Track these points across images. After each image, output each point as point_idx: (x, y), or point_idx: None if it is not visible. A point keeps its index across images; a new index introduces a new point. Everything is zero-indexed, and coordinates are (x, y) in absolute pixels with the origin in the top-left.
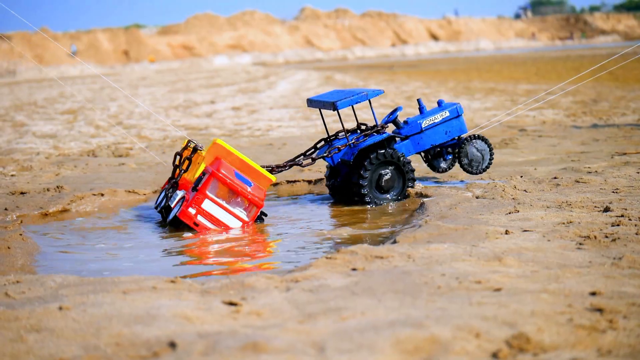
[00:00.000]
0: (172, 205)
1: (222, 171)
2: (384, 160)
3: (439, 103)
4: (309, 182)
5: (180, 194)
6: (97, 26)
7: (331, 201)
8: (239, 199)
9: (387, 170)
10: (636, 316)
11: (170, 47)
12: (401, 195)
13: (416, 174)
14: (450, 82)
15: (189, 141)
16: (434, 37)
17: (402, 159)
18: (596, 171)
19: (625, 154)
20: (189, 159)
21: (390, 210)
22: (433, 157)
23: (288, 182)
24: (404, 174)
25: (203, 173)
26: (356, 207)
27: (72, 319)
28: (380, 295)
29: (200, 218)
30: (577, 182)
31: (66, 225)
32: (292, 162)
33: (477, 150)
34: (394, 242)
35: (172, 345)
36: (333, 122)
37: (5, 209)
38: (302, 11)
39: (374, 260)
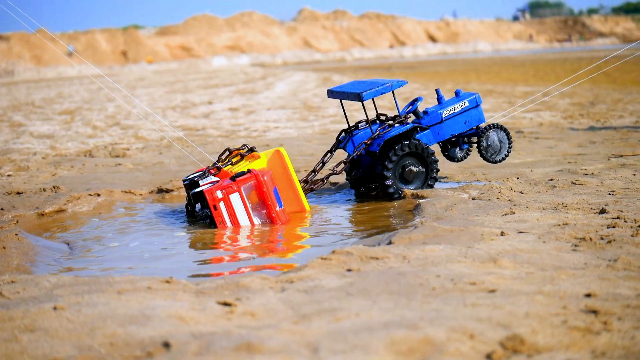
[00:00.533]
0: (201, 184)
1: (265, 178)
2: (409, 151)
3: (457, 93)
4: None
5: (213, 178)
6: (96, 27)
7: (329, 198)
8: (264, 212)
9: (411, 161)
10: (631, 318)
11: (168, 48)
12: (425, 185)
13: None
14: (449, 84)
15: (244, 145)
16: (432, 39)
17: (426, 149)
18: (592, 173)
19: (621, 156)
20: (242, 155)
21: (386, 211)
22: (451, 147)
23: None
24: (428, 165)
25: (248, 170)
26: (353, 207)
27: (66, 319)
28: (375, 296)
29: (221, 205)
30: (573, 184)
31: (62, 225)
32: (330, 173)
33: (498, 139)
34: (390, 243)
35: (166, 345)
36: (338, 114)
37: (1, 209)
38: (300, 12)
39: (369, 261)
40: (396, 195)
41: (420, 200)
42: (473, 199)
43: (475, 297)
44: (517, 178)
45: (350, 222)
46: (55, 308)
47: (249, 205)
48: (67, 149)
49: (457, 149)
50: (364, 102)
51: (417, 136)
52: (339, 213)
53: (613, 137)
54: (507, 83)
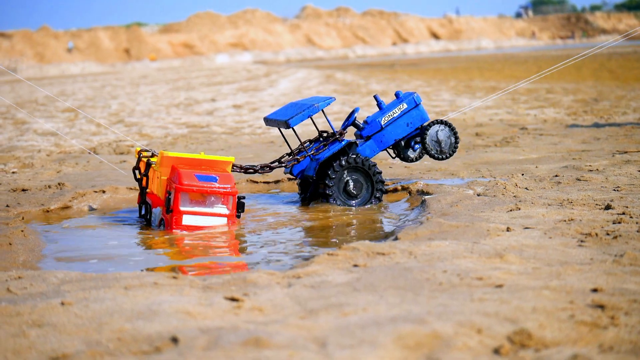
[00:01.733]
0: (155, 226)
1: (185, 182)
2: (349, 167)
3: (397, 95)
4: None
5: (157, 213)
6: (99, 24)
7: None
8: (213, 198)
9: (354, 176)
10: (637, 313)
11: (171, 45)
12: (373, 198)
13: (411, 171)
14: (452, 81)
15: (140, 151)
16: (435, 36)
17: (365, 161)
18: (597, 169)
19: (626, 152)
20: (146, 175)
21: (391, 208)
22: (402, 149)
23: (289, 179)
24: (372, 177)
25: (168, 192)
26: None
27: (74, 314)
28: (382, 291)
29: (186, 232)
30: (578, 180)
31: (68, 221)
32: (250, 167)
33: (442, 135)
34: (396, 239)
35: (174, 340)
36: (306, 125)
37: (7, 206)
38: (303, 10)
39: (375, 256)
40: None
41: (426, 197)
42: (478, 195)
43: (482, 292)
44: (522, 174)
45: (356, 220)
46: (62, 303)
47: (201, 209)
48: (72, 146)
49: (410, 150)
50: (294, 129)
51: (358, 149)
52: (345, 210)
53: (617, 133)
54: (510, 80)
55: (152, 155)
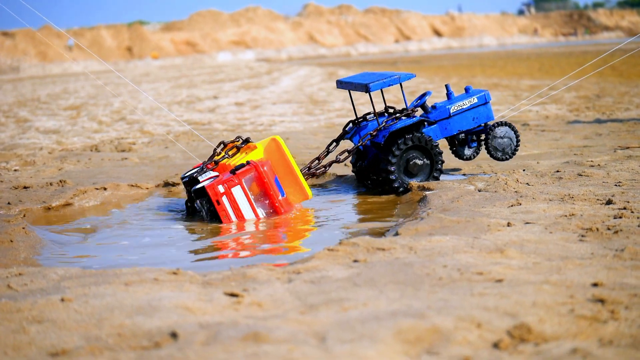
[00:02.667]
0: (200, 180)
1: (265, 169)
2: (413, 145)
3: (467, 89)
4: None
5: (213, 173)
6: (101, 23)
7: (333, 189)
8: (267, 202)
9: (416, 154)
10: (637, 307)
11: (173, 43)
12: (430, 178)
13: None
14: (454, 78)
15: (238, 137)
16: (437, 33)
17: (430, 142)
18: (599, 165)
19: (628, 148)
20: (238, 147)
21: (392, 203)
22: (459, 145)
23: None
24: (432, 158)
25: (247, 162)
26: (358, 198)
27: (74, 310)
28: (382, 286)
29: (224, 199)
30: (580, 175)
31: (69, 219)
32: (333, 161)
33: (506, 137)
34: (396, 234)
35: (174, 335)
36: (346, 108)
37: (9, 203)
38: (305, 7)
39: (375, 252)
40: (401, 189)
41: (427, 192)
42: (479, 190)
43: (482, 287)
44: (523, 170)
45: (355, 214)
46: (62, 299)
47: (251, 197)
48: (73, 144)
49: (466, 147)
50: (371, 93)
51: (424, 130)
52: (344, 205)
53: (619, 129)
54: (512, 77)
55: (247, 140)
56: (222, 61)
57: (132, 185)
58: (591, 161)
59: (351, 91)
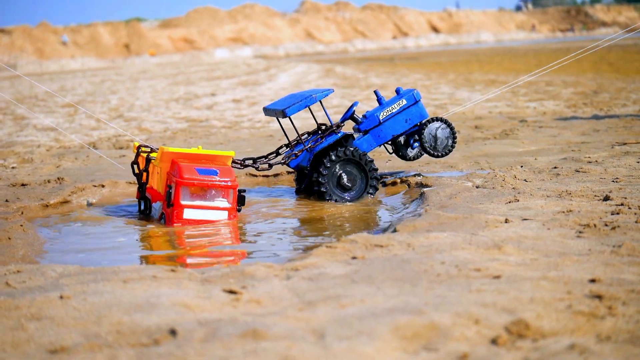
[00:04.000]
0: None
1: (186, 176)
2: (342, 159)
3: (397, 91)
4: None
5: (158, 207)
6: (98, 20)
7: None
8: (214, 191)
9: (348, 169)
10: (635, 303)
11: (171, 40)
12: (366, 193)
13: (410, 164)
14: (451, 74)
15: (139, 146)
16: (435, 30)
17: (361, 155)
18: (596, 161)
19: (625, 144)
20: (146, 170)
21: (390, 200)
22: (401, 146)
23: (289, 172)
24: (366, 172)
25: (169, 186)
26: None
27: (72, 308)
28: (380, 283)
29: (188, 227)
30: (577, 171)
31: (67, 216)
32: (250, 164)
33: (440, 133)
34: (394, 231)
35: (172, 332)
36: (306, 119)
37: (6, 201)
38: (302, 4)
39: (373, 248)
40: (334, 201)
41: (424, 189)
42: (477, 187)
43: (480, 283)
44: (521, 166)
45: (354, 212)
46: (61, 297)
47: (201, 203)
48: (71, 141)
49: (409, 149)
50: (291, 118)
51: (356, 142)
52: (342, 204)
53: (617, 125)
54: (509, 73)
55: (152, 151)
56: (220, 58)
57: (131, 183)
58: (589, 157)
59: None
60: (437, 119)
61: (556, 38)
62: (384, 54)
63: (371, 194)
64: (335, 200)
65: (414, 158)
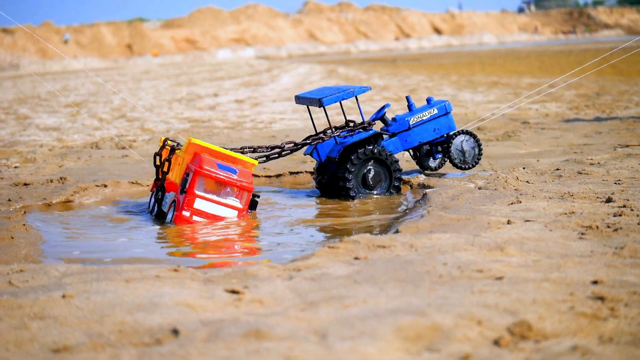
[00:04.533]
0: (165, 210)
1: (205, 167)
2: (370, 157)
3: (428, 100)
4: (312, 173)
5: (170, 197)
6: (101, 20)
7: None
8: (229, 189)
9: (374, 167)
10: (637, 304)
11: (173, 40)
12: (388, 192)
13: (413, 164)
14: (453, 76)
15: (165, 139)
16: (437, 31)
17: (387, 154)
18: (598, 163)
19: (627, 146)
20: (169, 160)
21: (393, 201)
22: (423, 156)
23: (291, 173)
24: (391, 171)
25: (187, 173)
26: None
27: (75, 307)
28: (382, 283)
29: (195, 218)
30: (580, 173)
31: (69, 216)
32: (275, 146)
33: (467, 145)
34: (397, 231)
35: (175, 332)
36: (323, 117)
37: (9, 200)
38: (305, 5)
39: (376, 249)
40: (358, 198)
41: (427, 190)
42: (479, 188)
43: (482, 284)
44: (524, 168)
45: (356, 213)
46: (64, 296)
47: (214, 197)
48: (74, 141)
49: (430, 159)
50: (325, 108)
51: (383, 143)
52: (344, 204)
53: (619, 127)
54: (512, 75)
55: (177, 146)
56: (222, 58)
57: (133, 183)
58: (591, 159)
59: (309, 107)
60: (464, 132)
61: (558, 40)
62: (387, 55)
63: (392, 193)
64: (358, 197)
65: (436, 169)
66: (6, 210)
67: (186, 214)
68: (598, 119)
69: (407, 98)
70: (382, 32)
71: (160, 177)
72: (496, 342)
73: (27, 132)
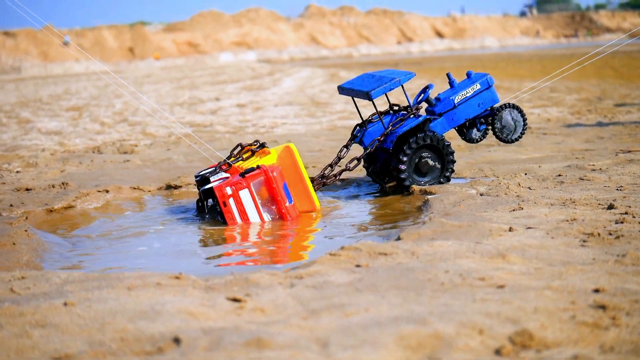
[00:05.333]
0: (212, 180)
1: (274, 174)
2: (423, 145)
3: (468, 75)
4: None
5: (224, 175)
6: (103, 23)
7: (333, 195)
8: (274, 208)
9: (427, 154)
10: (639, 313)
11: (175, 44)
12: (442, 177)
13: None
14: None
15: (256, 141)
16: (439, 35)
17: (441, 141)
18: (600, 169)
19: (629, 151)
20: (253, 151)
21: (394, 207)
22: (467, 129)
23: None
24: (444, 157)
25: (257, 166)
26: (360, 203)
27: (77, 315)
28: (384, 291)
29: (231, 201)
30: (581, 179)
31: (71, 222)
32: (343, 169)
33: (512, 119)
34: (398, 239)
35: (177, 340)
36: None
37: (11, 205)
38: (307, 9)
39: (377, 257)
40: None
41: (429, 197)
42: (481, 194)
43: (484, 293)
44: (525, 174)
45: (358, 219)
46: (65, 304)
47: (258, 202)
48: (76, 145)
49: (475, 130)
50: (373, 100)
51: (431, 126)
52: (347, 210)
53: (621, 132)
54: (513, 78)
55: (262, 145)
56: (224, 62)
57: (135, 188)
58: (593, 165)
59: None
60: (508, 106)
61: (560, 44)
62: (389, 59)
63: (442, 181)
64: (411, 185)
65: (479, 140)
66: (8, 216)
67: (228, 190)
68: (600, 124)
69: (448, 75)
70: (384, 36)
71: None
72: (498, 352)
73: (29, 137)
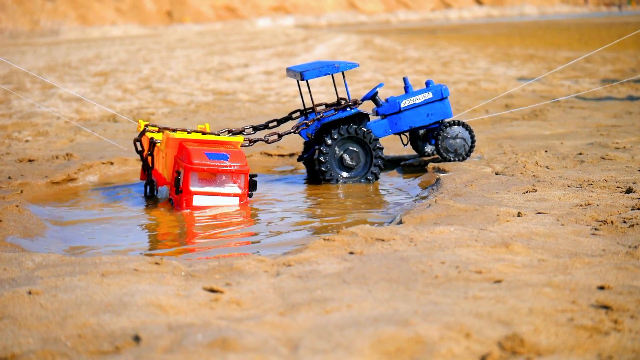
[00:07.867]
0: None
1: (195, 161)
2: (348, 137)
3: (427, 83)
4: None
5: (164, 191)
6: None
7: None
8: (224, 177)
9: (353, 148)
10: None
11: (213, 8)
12: (369, 174)
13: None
14: (490, 48)
15: (146, 125)
16: (478, 2)
17: (368, 135)
18: (624, 147)
19: None
20: (151, 154)
21: (403, 186)
22: (419, 140)
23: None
24: (371, 154)
25: (177, 171)
26: (360, 184)
27: (39, 306)
28: (372, 284)
29: (198, 212)
30: (603, 158)
31: (69, 196)
32: (259, 139)
33: (459, 137)
34: (400, 222)
35: (137, 339)
36: (326, 92)
37: (9, 177)
38: None
39: (374, 242)
40: (334, 181)
41: (441, 174)
42: (496, 173)
43: (479, 288)
44: (545, 151)
45: (361, 198)
46: (30, 292)
47: (211, 189)
48: (92, 113)
49: (427, 144)
50: (308, 82)
51: (371, 124)
52: (354, 187)
53: None
54: (549, 48)
55: (159, 131)
56: (262, 27)
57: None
58: (617, 143)
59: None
60: (457, 123)
61: (601, 12)
62: (427, 25)
63: (370, 180)
64: (336, 180)
65: (430, 154)
66: (3, 189)
67: (186, 212)
68: (630, 98)
69: (405, 79)
70: (422, 2)
71: (144, 170)
72: (483, 359)
73: (47, 103)
